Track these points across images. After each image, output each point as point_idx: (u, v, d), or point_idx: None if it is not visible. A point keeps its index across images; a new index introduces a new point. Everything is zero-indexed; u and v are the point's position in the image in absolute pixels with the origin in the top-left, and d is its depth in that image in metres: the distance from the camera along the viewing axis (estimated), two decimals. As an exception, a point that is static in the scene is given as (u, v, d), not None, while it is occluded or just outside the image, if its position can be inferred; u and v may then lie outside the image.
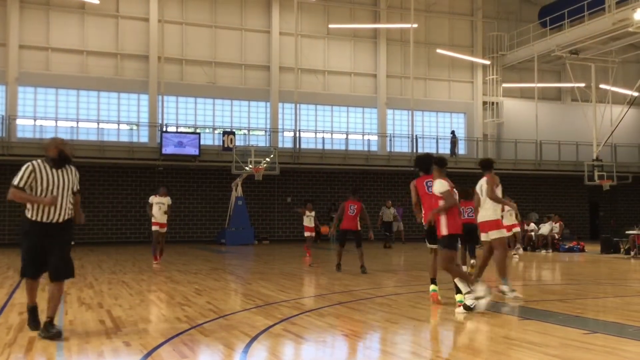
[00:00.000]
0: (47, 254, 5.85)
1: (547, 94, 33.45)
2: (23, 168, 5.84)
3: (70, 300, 8.48)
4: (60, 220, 5.96)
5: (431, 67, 31.75)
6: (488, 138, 32.31)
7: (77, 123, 26.23)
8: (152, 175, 26.86)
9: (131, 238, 26.20)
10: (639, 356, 5.05)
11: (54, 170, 5.91)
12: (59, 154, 5.93)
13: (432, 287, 8.20)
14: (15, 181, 5.81)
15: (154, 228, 15.06)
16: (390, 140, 30.26)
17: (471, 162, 30.50)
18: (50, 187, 5.86)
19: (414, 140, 29.53)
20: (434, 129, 31.72)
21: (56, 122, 25.97)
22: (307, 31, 29.66)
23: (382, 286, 10.38)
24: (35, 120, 25.77)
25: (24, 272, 5.97)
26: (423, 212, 8.21)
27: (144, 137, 27.14)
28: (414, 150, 29.45)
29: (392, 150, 30.05)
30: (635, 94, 29.78)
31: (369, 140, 30.48)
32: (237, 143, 26.50)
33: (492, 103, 32.56)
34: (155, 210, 14.88)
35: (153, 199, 15.06)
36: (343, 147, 29.43)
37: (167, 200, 15.08)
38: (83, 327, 6.40)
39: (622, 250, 18.84)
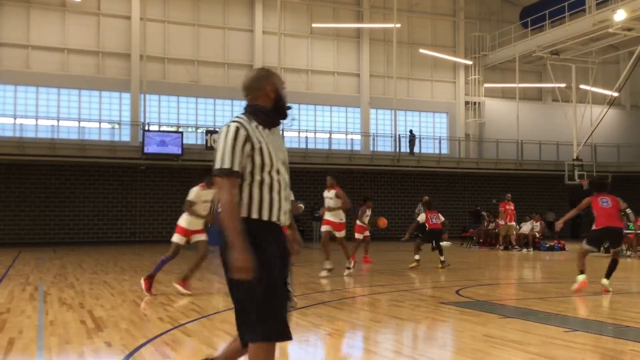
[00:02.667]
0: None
1: (528, 94, 33.75)
2: (227, 132, 3.13)
3: (50, 300, 8.39)
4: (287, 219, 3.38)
5: (414, 67, 31.89)
6: (470, 138, 32.53)
7: (58, 122, 25.95)
8: (134, 175, 26.66)
9: (112, 238, 25.99)
10: (619, 354, 5.11)
11: (266, 132, 3.26)
12: (277, 100, 3.34)
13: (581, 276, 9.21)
14: (225, 162, 3.09)
15: (198, 238, 9.29)
16: (374, 139, 30.35)
17: (453, 161, 30.73)
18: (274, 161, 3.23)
19: (397, 139, 29.64)
20: (417, 129, 31.86)
21: (36, 121, 25.67)
22: (291, 30, 29.64)
23: (366, 285, 10.40)
24: (15, 118, 25.44)
25: (272, 329, 3.16)
26: (596, 221, 9.65)
27: (125, 136, 26.94)
28: (397, 150, 29.58)
29: (375, 150, 30.14)
30: (615, 94, 30.14)
31: (352, 139, 30.54)
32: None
33: (474, 103, 32.78)
34: (200, 208, 9.19)
35: (198, 192, 9.16)
36: (326, 147, 29.45)
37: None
38: (64, 327, 6.34)
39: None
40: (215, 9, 28.57)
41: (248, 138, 3.14)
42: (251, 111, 3.28)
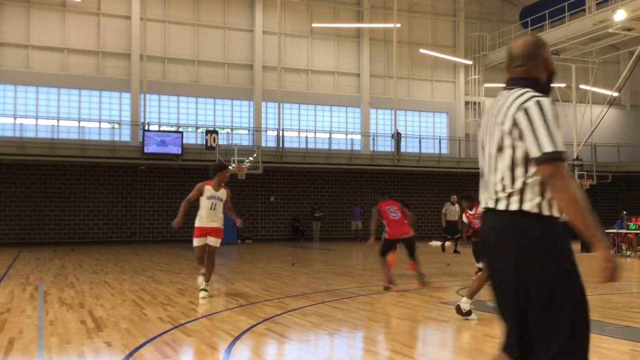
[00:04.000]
0: None
1: (528, 94, 33.72)
2: (544, 108, 2.54)
3: (50, 300, 8.39)
4: None
5: (414, 67, 31.88)
6: (470, 138, 32.52)
7: (58, 122, 25.94)
8: (134, 175, 26.67)
9: (113, 238, 26.00)
10: (619, 354, 5.11)
11: None
12: (552, 73, 2.81)
13: None
14: (558, 144, 2.49)
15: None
16: (374, 139, 30.35)
17: (453, 161, 30.74)
18: None
19: (397, 139, 29.63)
20: (417, 129, 31.86)
21: (37, 121, 25.67)
22: (291, 30, 29.63)
23: (365, 285, 10.40)
24: (15, 118, 25.43)
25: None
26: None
27: (125, 136, 26.93)
28: (397, 150, 29.58)
29: (376, 150, 30.13)
30: (615, 94, 30.12)
31: (352, 139, 30.54)
32: (220, 142, 26.39)
33: (474, 103, 32.77)
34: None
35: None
36: (326, 147, 29.45)
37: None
38: (64, 327, 6.34)
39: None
40: (215, 8, 28.57)
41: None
42: (531, 85, 2.65)
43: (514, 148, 2.56)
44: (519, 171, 2.55)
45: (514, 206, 2.54)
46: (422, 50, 31.13)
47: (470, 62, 32.45)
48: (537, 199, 2.53)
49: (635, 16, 24.86)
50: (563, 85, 31.22)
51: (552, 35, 28.81)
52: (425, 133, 31.73)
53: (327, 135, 29.69)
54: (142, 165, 26.18)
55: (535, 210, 2.52)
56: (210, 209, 8.77)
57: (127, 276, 11.88)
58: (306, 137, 29.35)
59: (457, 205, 19.01)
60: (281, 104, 28.15)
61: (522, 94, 2.59)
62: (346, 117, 30.71)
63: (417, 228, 29.20)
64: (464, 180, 31.67)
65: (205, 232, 8.85)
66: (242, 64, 28.78)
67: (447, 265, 14.67)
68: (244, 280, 11.14)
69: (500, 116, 2.62)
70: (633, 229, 17.73)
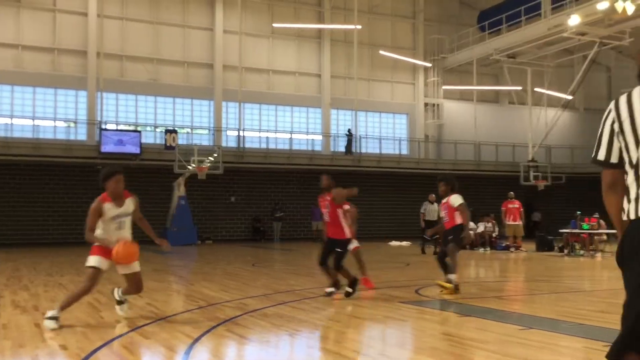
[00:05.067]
0: None
1: (485, 97, 34.34)
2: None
3: (4, 303, 8.16)
4: None
5: (374, 68, 32.11)
6: (429, 139, 32.94)
7: (12, 120, 25.24)
8: (90, 174, 26.07)
9: (69, 239, 25.40)
10: (572, 350, 5.25)
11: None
12: None
13: None
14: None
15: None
16: (334, 140, 30.45)
17: (413, 162, 31.08)
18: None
19: (358, 140, 29.80)
20: (377, 130, 32.10)
21: (-12, 119, 24.93)
22: (252, 30, 29.50)
23: (326, 285, 10.40)
24: (-35, 116, 24.66)
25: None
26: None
27: (82, 134, 26.38)
28: (358, 150, 29.75)
29: (336, 150, 30.24)
30: (569, 97, 30.96)
31: (313, 140, 30.58)
32: (180, 142, 26.09)
33: (433, 105, 33.20)
34: None
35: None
36: (287, 147, 29.42)
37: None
38: (18, 330, 6.17)
39: (556, 248, 19.57)
40: (174, 6, 28.23)
41: None
42: None
43: None
44: None
45: None
46: (382, 52, 31.38)
47: (429, 65, 32.86)
48: None
49: (588, 21, 25.60)
50: (519, 88, 31.90)
51: (508, 39, 29.44)
52: (385, 134, 31.99)
53: (288, 136, 29.66)
54: (99, 164, 25.64)
55: None
56: (117, 229, 6.56)
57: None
58: (267, 138, 29.27)
59: (436, 205, 17.79)
60: (242, 104, 28.00)
61: None
62: (307, 118, 30.75)
63: (379, 228, 29.52)
64: (424, 181, 32.03)
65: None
66: (202, 63, 28.52)
67: (407, 265, 14.82)
68: (204, 281, 11.03)
69: None
70: (586, 229, 18.23)
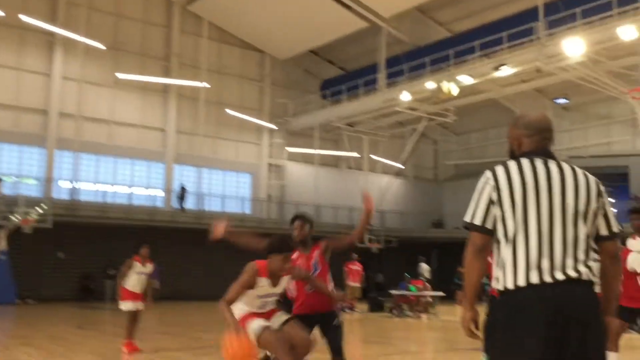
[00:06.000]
0: None
1: (326, 161, 35.81)
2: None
3: None
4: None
5: (221, 126, 32.26)
6: (272, 199, 33.49)
7: None
8: None
9: None
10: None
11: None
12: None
13: None
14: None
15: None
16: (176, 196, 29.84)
17: (255, 221, 31.29)
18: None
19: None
20: (221, 187, 32.05)
21: None
22: (93, 78, 28.43)
23: (162, 349, 10.04)
24: None
25: None
26: None
27: None
28: (202, 208, 29.38)
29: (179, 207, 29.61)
30: (401, 166, 33.34)
31: (155, 195, 29.71)
32: (4, 191, 24.03)
33: (277, 165, 33.97)
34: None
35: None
36: (126, 201, 28.27)
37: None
38: None
39: (386, 309, 20.54)
40: (7, 47, 26.48)
41: None
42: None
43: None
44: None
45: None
46: (228, 111, 31.73)
47: (275, 127, 33.72)
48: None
49: (418, 98, 28.11)
50: (356, 154, 33.80)
51: (347, 108, 31.32)
52: (229, 192, 32.01)
53: (128, 190, 28.55)
54: None
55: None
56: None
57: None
58: (105, 191, 27.94)
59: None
60: (77, 154, 26.62)
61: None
62: (149, 172, 29.92)
63: (225, 289, 28.97)
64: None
65: None
66: (35, 109, 26.85)
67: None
68: (23, 346, 10.11)
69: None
70: (413, 291, 19.40)
